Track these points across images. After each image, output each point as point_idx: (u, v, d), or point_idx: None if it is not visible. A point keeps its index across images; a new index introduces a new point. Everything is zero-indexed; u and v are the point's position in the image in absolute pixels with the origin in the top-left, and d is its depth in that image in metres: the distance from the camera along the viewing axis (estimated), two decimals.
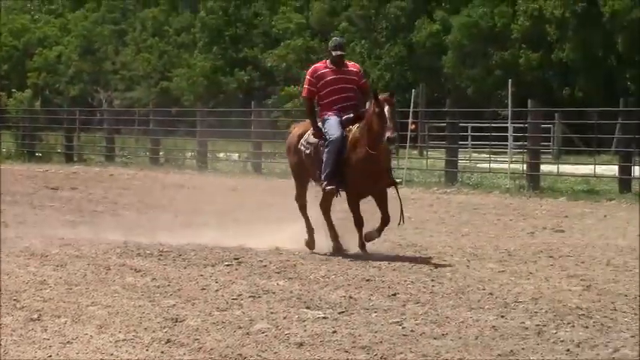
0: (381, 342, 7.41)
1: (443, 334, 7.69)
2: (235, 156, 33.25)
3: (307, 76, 12.20)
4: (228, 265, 11.14)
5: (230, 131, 31.18)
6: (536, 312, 8.51)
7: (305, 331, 7.80)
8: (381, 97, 11.43)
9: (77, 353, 7.36)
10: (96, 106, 53.55)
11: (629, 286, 9.85)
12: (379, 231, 11.87)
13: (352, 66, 12.24)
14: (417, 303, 8.91)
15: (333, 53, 12.08)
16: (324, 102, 11.99)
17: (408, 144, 25.76)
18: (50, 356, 7.27)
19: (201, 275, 10.53)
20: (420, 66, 52.46)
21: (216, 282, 10.05)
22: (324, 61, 12.29)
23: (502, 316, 8.35)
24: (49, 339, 7.75)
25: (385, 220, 11.80)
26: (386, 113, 11.23)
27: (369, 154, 11.57)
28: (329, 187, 11.69)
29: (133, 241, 12.74)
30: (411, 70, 53.03)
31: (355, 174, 11.76)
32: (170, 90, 59.81)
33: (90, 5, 69.08)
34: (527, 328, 7.85)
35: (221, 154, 33.59)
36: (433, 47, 52.02)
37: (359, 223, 11.88)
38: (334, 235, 12.21)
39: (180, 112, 43.17)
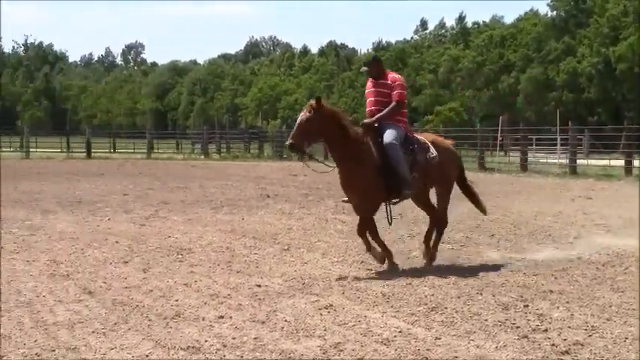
0: None
1: None
2: None
3: None
4: (395, 218, 16.68)
5: None
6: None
7: None
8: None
9: (310, 269, 11.36)
10: None
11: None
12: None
13: (391, 78, 11.60)
14: None
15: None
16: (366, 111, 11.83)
17: (498, 148, 47.75)
18: (295, 271, 11.13)
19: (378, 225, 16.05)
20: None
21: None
22: None
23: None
24: (294, 261, 12.08)
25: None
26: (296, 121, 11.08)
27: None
28: None
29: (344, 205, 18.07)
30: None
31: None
32: None
33: (313, 70, 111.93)
34: None
35: None
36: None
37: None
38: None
39: None
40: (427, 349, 7.25)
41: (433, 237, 11.99)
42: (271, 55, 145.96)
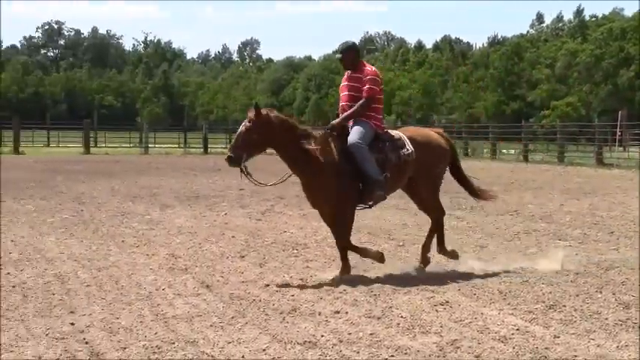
0: None
1: None
2: None
3: None
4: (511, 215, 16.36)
5: None
6: None
7: None
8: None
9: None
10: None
11: None
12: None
13: (365, 71, 10.68)
14: None
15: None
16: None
17: (617, 144, 48.16)
18: (410, 267, 11.12)
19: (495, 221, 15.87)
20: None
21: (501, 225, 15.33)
22: None
23: None
24: (409, 257, 12.07)
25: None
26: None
27: None
28: None
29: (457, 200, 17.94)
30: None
31: None
32: None
33: (427, 65, 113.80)
34: None
35: None
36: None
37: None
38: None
39: None
40: (545, 348, 7.13)
41: (434, 238, 11.42)
42: (385, 50, 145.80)
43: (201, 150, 56.55)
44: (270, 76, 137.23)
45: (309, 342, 7.34)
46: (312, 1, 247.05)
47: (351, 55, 10.79)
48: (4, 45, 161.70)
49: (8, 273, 10.68)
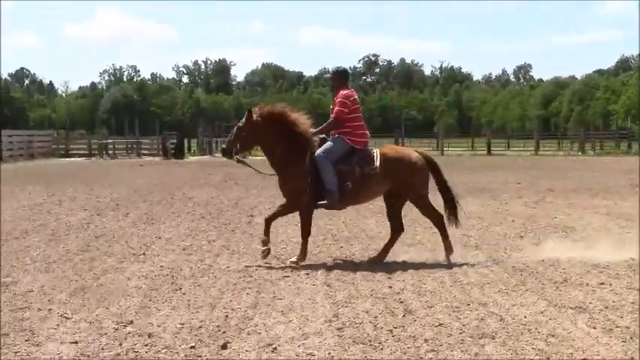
0: None
1: None
2: None
3: None
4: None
5: None
6: None
7: None
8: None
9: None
10: None
11: None
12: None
13: (338, 95, 9.83)
14: None
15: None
16: None
17: None
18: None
19: None
20: None
21: None
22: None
23: None
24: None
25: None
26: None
27: None
28: None
29: None
30: None
31: None
32: None
33: None
34: None
35: None
36: None
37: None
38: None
39: None
40: None
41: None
42: None
43: (485, 152, 55.84)
44: (541, 92, 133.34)
45: (579, 307, 7.04)
46: (576, 33, 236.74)
47: (334, 79, 10.11)
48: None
49: (342, 247, 10.99)
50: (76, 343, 5.98)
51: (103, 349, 5.85)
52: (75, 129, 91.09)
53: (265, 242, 9.62)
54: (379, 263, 9.53)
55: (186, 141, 54.36)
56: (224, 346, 5.87)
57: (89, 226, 13.29)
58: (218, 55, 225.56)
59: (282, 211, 9.90)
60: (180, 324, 6.52)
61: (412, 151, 10.32)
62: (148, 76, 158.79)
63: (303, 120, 9.81)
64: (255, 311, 6.97)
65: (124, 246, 10.96)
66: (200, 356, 5.69)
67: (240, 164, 10.17)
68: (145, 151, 51.57)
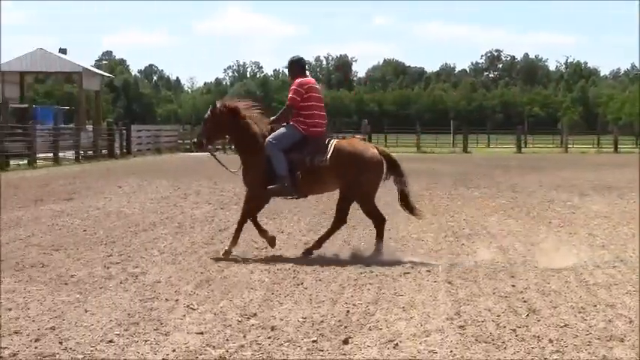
0: None
1: None
2: None
3: None
4: None
5: None
6: None
7: None
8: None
9: None
10: None
11: None
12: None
13: (293, 82, 9.89)
14: None
15: None
16: None
17: None
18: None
19: None
20: None
21: None
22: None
23: None
24: None
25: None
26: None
27: None
28: None
29: None
30: None
31: None
32: None
33: None
34: None
35: None
36: None
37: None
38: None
39: None
40: None
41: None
42: None
43: (612, 149, 53.98)
44: None
45: None
46: None
47: (289, 69, 10.13)
48: (457, 69, 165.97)
49: (463, 244, 10.89)
50: (201, 333, 6.13)
51: (227, 340, 5.97)
52: (200, 124, 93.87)
53: (267, 236, 9.98)
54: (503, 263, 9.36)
55: None
56: (345, 341, 5.91)
57: (213, 219, 13.61)
58: (339, 51, 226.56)
59: (246, 203, 10.04)
60: (303, 318, 6.60)
61: (370, 147, 9.99)
62: (270, 73, 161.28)
63: (253, 111, 10.01)
64: (377, 307, 6.99)
65: (247, 240, 11.19)
66: (322, 350, 5.74)
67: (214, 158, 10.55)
68: None
